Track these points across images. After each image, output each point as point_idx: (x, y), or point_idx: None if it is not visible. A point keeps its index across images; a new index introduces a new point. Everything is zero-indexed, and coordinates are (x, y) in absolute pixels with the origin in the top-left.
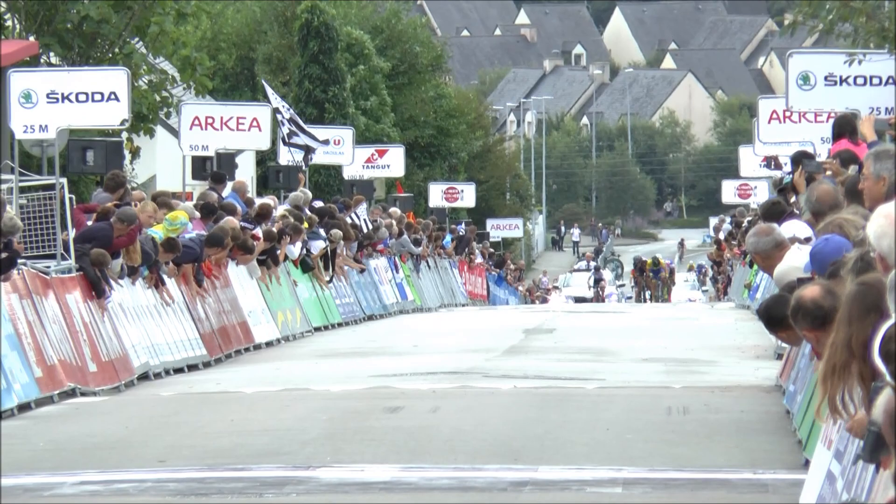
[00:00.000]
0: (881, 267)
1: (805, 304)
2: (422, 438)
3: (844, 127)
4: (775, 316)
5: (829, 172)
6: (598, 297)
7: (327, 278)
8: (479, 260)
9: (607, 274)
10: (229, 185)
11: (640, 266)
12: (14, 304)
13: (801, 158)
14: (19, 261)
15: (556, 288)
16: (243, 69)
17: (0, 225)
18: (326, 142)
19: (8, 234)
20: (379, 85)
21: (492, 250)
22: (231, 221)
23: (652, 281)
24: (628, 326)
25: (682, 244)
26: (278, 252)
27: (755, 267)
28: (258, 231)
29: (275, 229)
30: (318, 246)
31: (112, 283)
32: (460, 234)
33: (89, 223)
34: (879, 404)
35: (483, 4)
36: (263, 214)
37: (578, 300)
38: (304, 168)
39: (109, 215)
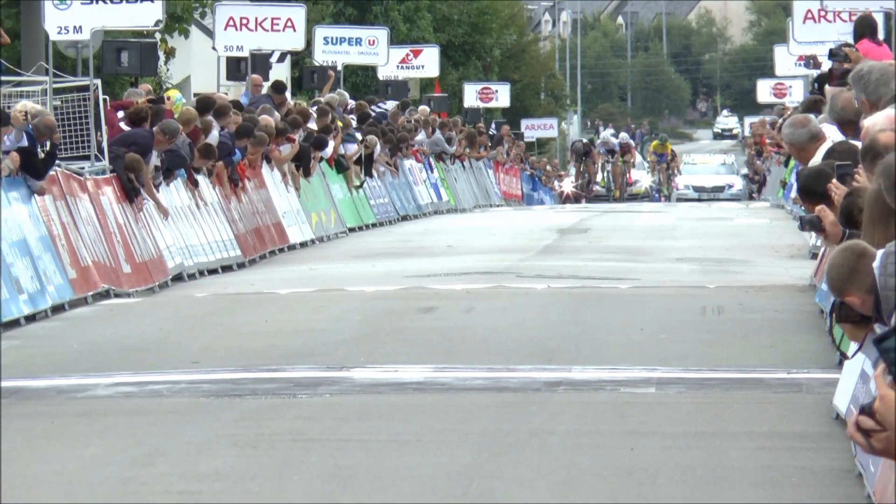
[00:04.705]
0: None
1: (877, 145)
2: (456, 339)
3: (865, 28)
4: (809, 187)
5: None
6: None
7: (357, 183)
8: (505, 156)
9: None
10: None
11: (582, 151)
12: (48, 205)
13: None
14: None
15: (568, 175)
16: None
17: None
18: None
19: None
20: None
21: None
22: (265, 119)
23: (661, 165)
24: (663, 226)
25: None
26: (313, 160)
27: (790, 165)
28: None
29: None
30: (351, 149)
31: (143, 189)
32: (492, 133)
33: (122, 125)
34: None
35: None
36: (299, 119)
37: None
38: (337, 68)
39: (141, 114)
